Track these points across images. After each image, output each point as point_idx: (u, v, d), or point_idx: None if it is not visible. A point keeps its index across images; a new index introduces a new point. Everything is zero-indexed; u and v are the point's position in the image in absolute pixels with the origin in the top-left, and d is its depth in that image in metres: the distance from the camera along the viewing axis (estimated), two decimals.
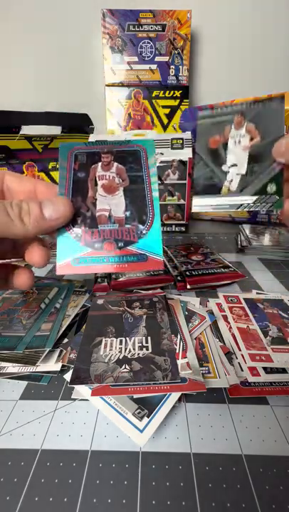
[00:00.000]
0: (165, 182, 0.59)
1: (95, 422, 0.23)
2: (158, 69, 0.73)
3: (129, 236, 0.22)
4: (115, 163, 0.23)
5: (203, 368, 0.26)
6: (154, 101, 0.76)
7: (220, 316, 0.34)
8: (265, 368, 0.26)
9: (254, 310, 0.34)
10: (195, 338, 0.30)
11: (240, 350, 0.28)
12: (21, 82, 0.82)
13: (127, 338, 0.28)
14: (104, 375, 0.24)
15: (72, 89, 0.83)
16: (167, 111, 0.77)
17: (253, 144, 0.28)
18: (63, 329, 0.30)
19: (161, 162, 0.57)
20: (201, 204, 0.29)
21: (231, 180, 0.29)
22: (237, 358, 0.28)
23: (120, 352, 0.27)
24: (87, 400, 0.24)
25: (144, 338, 0.28)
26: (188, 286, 0.39)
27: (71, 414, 0.24)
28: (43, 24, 0.77)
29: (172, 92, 0.75)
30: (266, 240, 0.54)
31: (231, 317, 0.33)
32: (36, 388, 0.26)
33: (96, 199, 0.22)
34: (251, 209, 0.28)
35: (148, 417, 0.22)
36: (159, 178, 0.58)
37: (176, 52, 0.72)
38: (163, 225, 0.63)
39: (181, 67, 0.73)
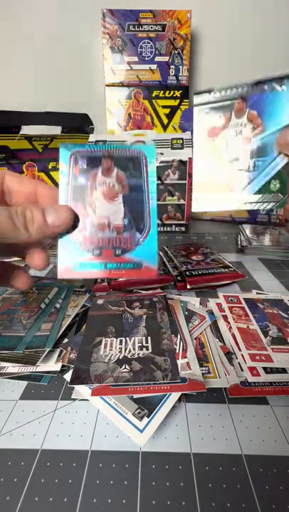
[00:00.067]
0: (165, 182, 0.59)
1: (95, 422, 0.23)
2: (158, 69, 0.73)
3: (127, 244, 0.23)
4: (115, 169, 0.23)
5: (203, 368, 0.26)
6: (154, 101, 0.76)
7: (220, 316, 0.34)
8: (265, 368, 0.26)
9: (254, 310, 0.34)
10: (195, 338, 0.30)
11: (240, 350, 0.28)
12: (21, 82, 0.82)
13: (127, 338, 0.28)
14: (104, 375, 0.24)
15: (72, 89, 0.83)
16: (167, 111, 0.77)
17: (256, 134, 0.25)
18: (63, 329, 0.30)
19: (161, 162, 0.57)
20: (201, 203, 0.27)
21: (233, 177, 0.26)
22: (237, 358, 0.28)
23: (120, 352, 0.27)
24: (87, 400, 0.24)
25: (144, 338, 0.28)
26: (188, 286, 0.39)
27: (71, 414, 0.24)
28: (43, 24, 0.77)
29: (172, 92, 0.75)
30: (266, 239, 0.54)
31: (231, 317, 0.33)
32: (36, 388, 0.26)
33: (96, 205, 0.22)
34: (254, 208, 0.26)
35: (148, 417, 0.22)
36: (159, 178, 0.58)
37: (176, 52, 0.72)
38: (163, 225, 0.63)
39: (181, 67, 0.73)
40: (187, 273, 0.41)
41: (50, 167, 0.59)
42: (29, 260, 0.23)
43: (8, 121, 0.51)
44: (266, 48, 0.79)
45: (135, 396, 0.24)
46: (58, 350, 0.28)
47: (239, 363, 0.27)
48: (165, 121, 0.78)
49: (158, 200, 0.60)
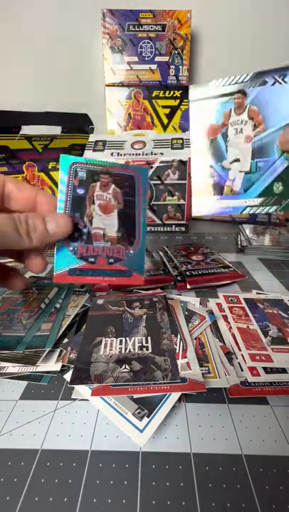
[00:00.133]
0: (165, 182, 0.59)
1: (95, 422, 0.23)
2: (158, 69, 0.73)
3: (119, 254, 0.25)
4: (112, 185, 0.24)
5: (203, 368, 0.26)
6: (154, 101, 0.76)
7: (220, 316, 0.34)
8: (265, 368, 0.26)
9: (254, 310, 0.34)
10: (195, 338, 0.30)
11: (240, 350, 0.28)
12: (21, 82, 0.82)
13: (127, 338, 0.28)
14: (105, 375, 0.24)
15: (72, 89, 0.83)
16: (167, 111, 0.77)
17: (258, 133, 0.24)
18: (63, 329, 0.30)
19: (161, 162, 0.57)
20: (201, 208, 0.26)
21: (234, 179, 0.25)
22: (237, 358, 0.28)
23: (120, 352, 0.27)
24: (87, 400, 0.24)
25: (144, 338, 0.28)
26: (188, 286, 0.39)
27: (71, 414, 0.24)
28: (43, 24, 0.77)
29: (172, 92, 0.75)
30: (266, 239, 0.54)
31: (231, 317, 0.33)
32: (36, 388, 0.26)
33: (93, 217, 0.24)
34: (257, 211, 0.25)
35: (148, 417, 0.22)
36: (159, 178, 0.58)
37: (176, 52, 0.72)
38: (163, 225, 0.63)
39: (181, 67, 0.73)
40: (187, 273, 0.41)
41: (50, 167, 0.59)
42: (28, 265, 0.24)
43: (8, 121, 0.51)
44: (266, 48, 0.79)
45: (135, 396, 0.24)
46: (58, 350, 0.28)
47: (239, 363, 0.27)
48: (165, 121, 0.78)
49: (158, 200, 0.60)
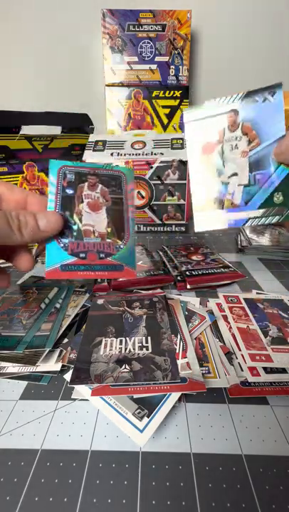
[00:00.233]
0: (165, 182, 0.59)
1: (95, 422, 0.23)
2: (158, 69, 0.73)
3: (110, 249, 0.26)
4: (100, 185, 0.26)
5: (203, 368, 0.26)
6: (154, 101, 0.76)
7: (220, 316, 0.34)
8: (265, 368, 0.26)
9: (254, 310, 0.34)
10: (195, 338, 0.30)
11: (240, 350, 0.28)
12: (21, 82, 0.82)
13: (127, 338, 0.28)
14: (104, 375, 0.24)
15: (72, 89, 0.83)
16: (167, 111, 0.77)
17: (252, 147, 0.25)
18: (63, 329, 0.30)
19: (161, 162, 0.57)
20: (204, 223, 0.26)
21: (233, 193, 0.26)
22: (237, 358, 0.28)
23: (120, 352, 0.27)
24: (87, 400, 0.24)
25: (144, 338, 0.28)
26: (188, 286, 0.39)
27: (71, 414, 0.24)
28: (43, 24, 0.77)
29: (172, 92, 0.75)
30: (266, 239, 0.54)
31: (231, 317, 0.33)
32: (36, 388, 0.26)
33: (82, 214, 0.25)
34: (260, 223, 0.25)
35: (148, 417, 0.22)
36: (159, 178, 0.58)
37: (176, 52, 0.72)
38: (163, 225, 0.63)
39: (181, 67, 0.73)
40: (187, 273, 0.41)
41: None
42: (16, 263, 0.24)
43: (8, 121, 0.50)
44: (266, 48, 0.79)
45: (135, 396, 0.24)
46: (58, 350, 0.28)
47: (239, 363, 0.27)
48: (165, 121, 0.78)
49: (158, 200, 0.60)
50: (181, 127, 0.78)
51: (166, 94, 0.76)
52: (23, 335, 0.29)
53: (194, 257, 0.47)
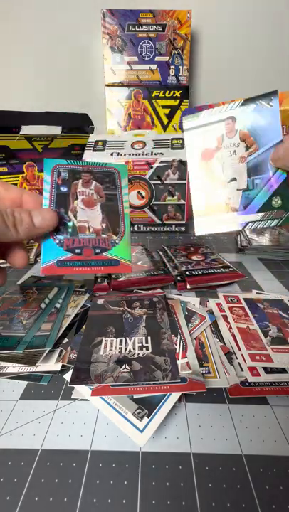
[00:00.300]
0: (165, 182, 0.59)
1: (95, 422, 0.23)
2: (158, 69, 0.73)
3: (105, 244, 0.26)
4: (94, 182, 0.26)
5: (203, 368, 0.26)
6: (154, 101, 0.76)
7: (220, 316, 0.34)
8: (265, 368, 0.26)
9: (254, 310, 0.34)
10: (195, 338, 0.30)
11: (240, 350, 0.28)
12: (21, 82, 0.82)
13: (127, 338, 0.28)
14: (104, 375, 0.24)
15: (72, 89, 0.83)
16: (167, 111, 0.77)
17: (250, 153, 0.25)
18: (63, 329, 0.30)
19: (161, 162, 0.57)
20: (204, 227, 0.27)
21: (232, 197, 0.26)
22: (237, 358, 0.28)
23: (120, 352, 0.27)
24: (87, 400, 0.24)
25: (144, 338, 0.28)
26: (188, 286, 0.39)
27: (71, 414, 0.24)
28: (43, 24, 0.77)
29: (172, 92, 0.75)
30: (266, 239, 0.54)
31: (231, 317, 0.33)
32: (36, 388, 0.26)
33: (77, 211, 0.25)
34: (259, 226, 0.25)
35: (148, 417, 0.22)
36: (159, 178, 0.58)
37: (176, 52, 0.72)
38: (163, 225, 0.63)
39: (181, 67, 0.73)
40: (187, 273, 0.41)
41: None
42: (10, 260, 0.24)
43: (8, 121, 0.50)
44: (266, 48, 0.79)
45: (135, 396, 0.24)
46: (58, 350, 0.28)
47: (239, 363, 0.27)
48: (165, 121, 0.78)
49: (158, 200, 0.60)
50: (181, 127, 0.78)
51: (166, 94, 0.76)
52: (23, 335, 0.29)
53: (194, 257, 0.47)
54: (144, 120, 0.78)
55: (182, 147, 0.59)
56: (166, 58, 0.73)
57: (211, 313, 0.34)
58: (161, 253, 0.51)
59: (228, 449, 0.21)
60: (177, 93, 0.76)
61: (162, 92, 0.75)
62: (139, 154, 0.58)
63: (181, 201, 0.60)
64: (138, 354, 0.26)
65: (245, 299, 0.36)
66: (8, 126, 0.51)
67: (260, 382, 0.25)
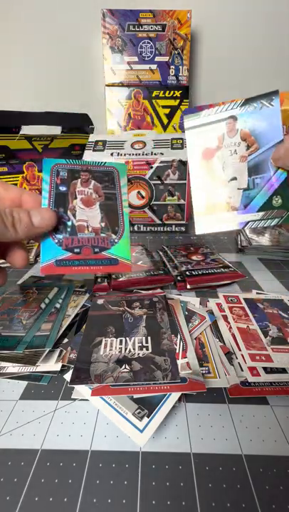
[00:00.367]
0: (165, 182, 0.59)
1: (95, 422, 0.23)
2: (158, 69, 0.73)
3: (104, 243, 0.26)
4: (93, 181, 0.26)
5: (203, 368, 0.26)
6: (154, 101, 0.76)
7: (220, 316, 0.34)
8: (265, 368, 0.26)
9: (254, 310, 0.34)
10: (195, 338, 0.30)
11: (240, 350, 0.28)
12: (21, 82, 0.82)
13: (127, 338, 0.28)
14: (104, 375, 0.24)
15: (72, 89, 0.83)
16: (167, 111, 0.77)
17: (251, 152, 0.25)
18: (63, 329, 0.30)
19: (161, 162, 0.57)
20: (204, 226, 0.27)
21: (233, 196, 0.26)
22: (237, 358, 0.28)
23: (120, 352, 0.27)
24: (87, 400, 0.24)
25: (144, 338, 0.28)
26: (188, 286, 0.39)
27: (71, 414, 0.24)
28: (43, 24, 0.77)
29: (172, 92, 0.75)
30: (266, 239, 0.54)
31: (231, 317, 0.33)
32: (36, 388, 0.26)
33: (76, 210, 0.25)
34: (259, 225, 0.26)
35: (148, 417, 0.22)
36: (159, 178, 0.58)
37: (176, 52, 0.72)
38: (163, 225, 0.63)
39: (181, 67, 0.73)
40: (187, 273, 0.41)
41: None
42: (10, 259, 0.24)
43: (8, 121, 0.50)
44: (267, 48, 0.79)
45: (135, 396, 0.24)
46: (58, 350, 0.28)
47: (239, 363, 0.27)
48: (165, 121, 0.78)
49: (158, 200, 0.60)
50: (181, 127, 0.78)
51: (166, 94, 0.76)
52: (23, 335, 0.29)
53: (194, 257, 0.47)
54: (144, 120, 0.78)
55: (182, 147, 0.59)
56: (166, 58, 0.73)
57: (211, 313, 0.34)
58: (161, 253, 0.51)
59: (228, 449, 0.21)
60: (177, 93, 0.76)
61: (162, 92, 0.75)
62: (139, 154, 0.58)
63: (181, 201, 0.60)
64: (138, 354, 0.26)
65: (245, 299, 0.36)
66: (8, 126, 0.51)
67: (260, 382, 0.25)
